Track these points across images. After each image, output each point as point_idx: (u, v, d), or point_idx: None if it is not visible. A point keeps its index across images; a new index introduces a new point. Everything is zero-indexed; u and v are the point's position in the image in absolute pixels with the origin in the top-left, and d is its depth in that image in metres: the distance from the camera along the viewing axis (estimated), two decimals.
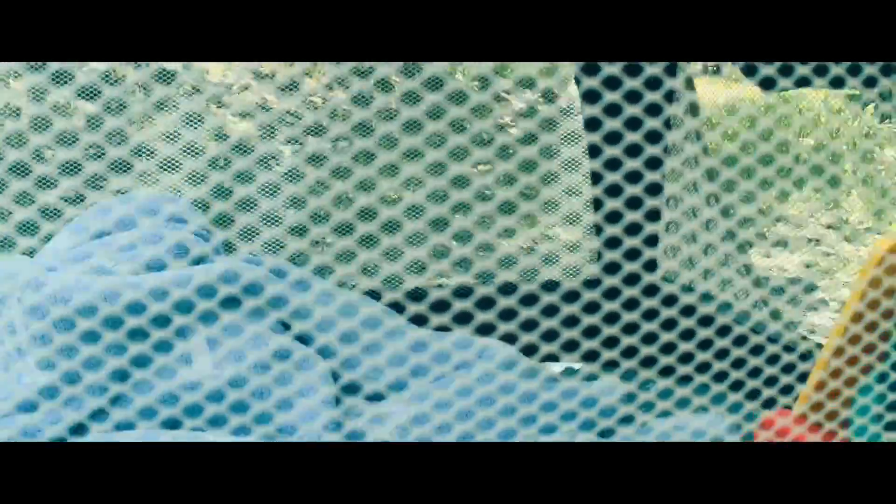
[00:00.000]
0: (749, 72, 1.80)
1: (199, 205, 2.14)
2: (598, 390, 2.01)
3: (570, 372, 2.22)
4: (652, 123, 2.04)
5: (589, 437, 1.92)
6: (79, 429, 1.74)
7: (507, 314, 1.91)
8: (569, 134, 2.37)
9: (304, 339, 1.94)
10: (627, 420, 1.98)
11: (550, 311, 1.96)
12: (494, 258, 1.81)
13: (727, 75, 4.75)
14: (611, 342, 1.91)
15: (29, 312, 1.77)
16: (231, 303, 1.86)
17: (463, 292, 2.04)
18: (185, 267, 1.91)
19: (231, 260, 1.98)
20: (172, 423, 1.76)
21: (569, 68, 2.40)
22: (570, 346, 1.99)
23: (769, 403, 1.87)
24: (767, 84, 1.78)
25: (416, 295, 2.11)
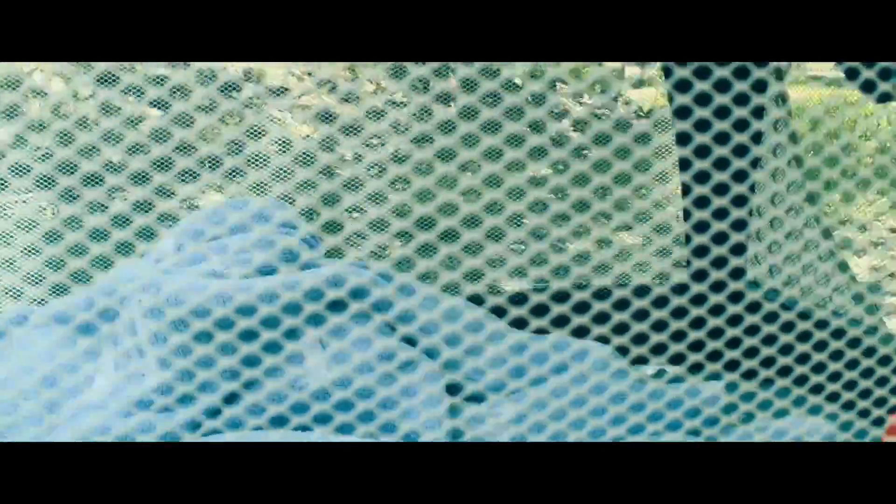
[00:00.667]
0: (851, 76, 1.82)
1: (308, 213, 2.24)
2: (685, 392, 2.08)
3: (660, 374, 2.28)
4: (741, 138, 2.11)
5: (675, 437, 2.00)
6: (194, 425, 1.84)
7: (601, 318, 1.99)
8: (660, 147, 2.44)
9: (409, 342, 2.03)
10: (713, 422, 2.05)
11: (641, 315, 2.04)
12: (590, 265, 1.91)
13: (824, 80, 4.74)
14: (698, 346, 1.99)
15: (147, 314, 1.88)
16: (338, 306, 1.96)
17: (560, 297, 2.13)
18: (294, 271, 2.02)
19: (338, 264, 2.07)
20: (281, 421, 1.86)
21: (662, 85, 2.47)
22: (659, 348, 2.07)
23: (849, 406, 1.93)
24: (869, 87, 1.81)
25: (517, 299, 2.20)
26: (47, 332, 1.99)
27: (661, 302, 2.20)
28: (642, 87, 3.02)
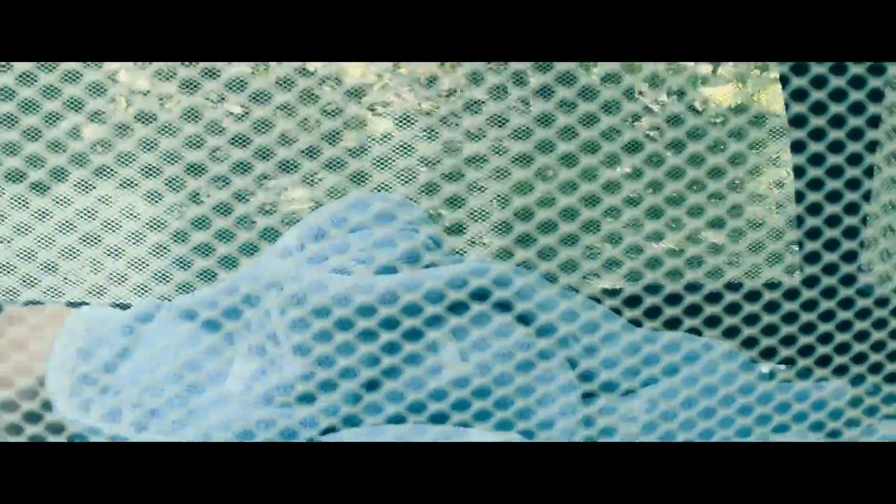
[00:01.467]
0: None
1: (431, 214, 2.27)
2: (812, 384, 2.11)
3: (785, 369, 2.29)
4: (856, 122, 2.10)
5: (801, 428, 2.02)
6: (333, 411, 1.89)
7: (721, 316, 2.00)
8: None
9: (543, 332, 2.05)
10: (838, 414, 2.06)
11: (761, 312, 2.04)
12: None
13: None
14: (818, 341, 1.99)
15: (286, 303, 1.93)
16: (477, 296, 2.00)
17: (693, 288, 2.14)
18: (436, 260, 2.07)
19: (475, 260, 2.12)
20: (418, 408, 1.90)
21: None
22: (784, 341, 2.07)
23: None
24: None
25: (631, 301, 2.21)
26: (179, 324, 2.06)
27: (774, 305, 2.19)
28: (717, 85, 3.00)
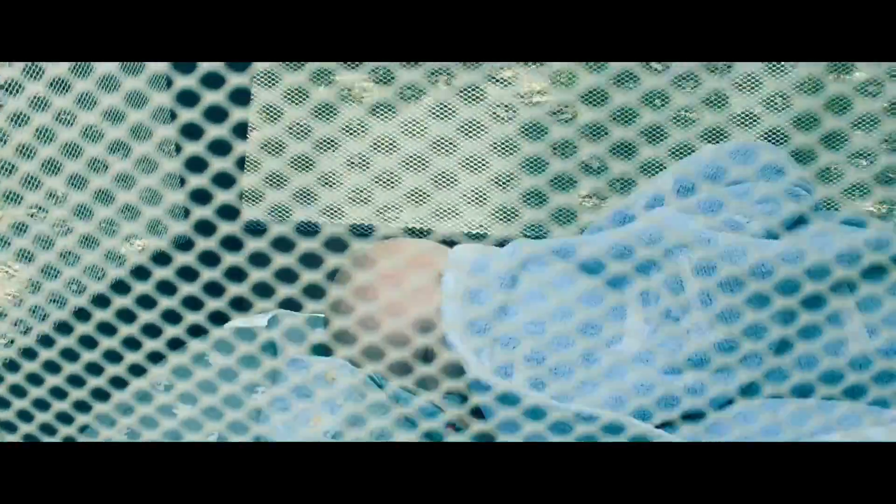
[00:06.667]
0: None
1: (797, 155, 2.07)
2: None
3: None
4: None
5: None
6: (750, 389, 1.76)
7: None
8: None
9: None
10: None
11: None
12: None
13: None
14: None
15: (698, 270, 1.80)
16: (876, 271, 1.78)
17: None
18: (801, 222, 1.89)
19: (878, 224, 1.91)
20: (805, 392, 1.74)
21: None
22: None
23: None
24: None
25: None
26: (564, 270, 1.92)
27: None
28: None
